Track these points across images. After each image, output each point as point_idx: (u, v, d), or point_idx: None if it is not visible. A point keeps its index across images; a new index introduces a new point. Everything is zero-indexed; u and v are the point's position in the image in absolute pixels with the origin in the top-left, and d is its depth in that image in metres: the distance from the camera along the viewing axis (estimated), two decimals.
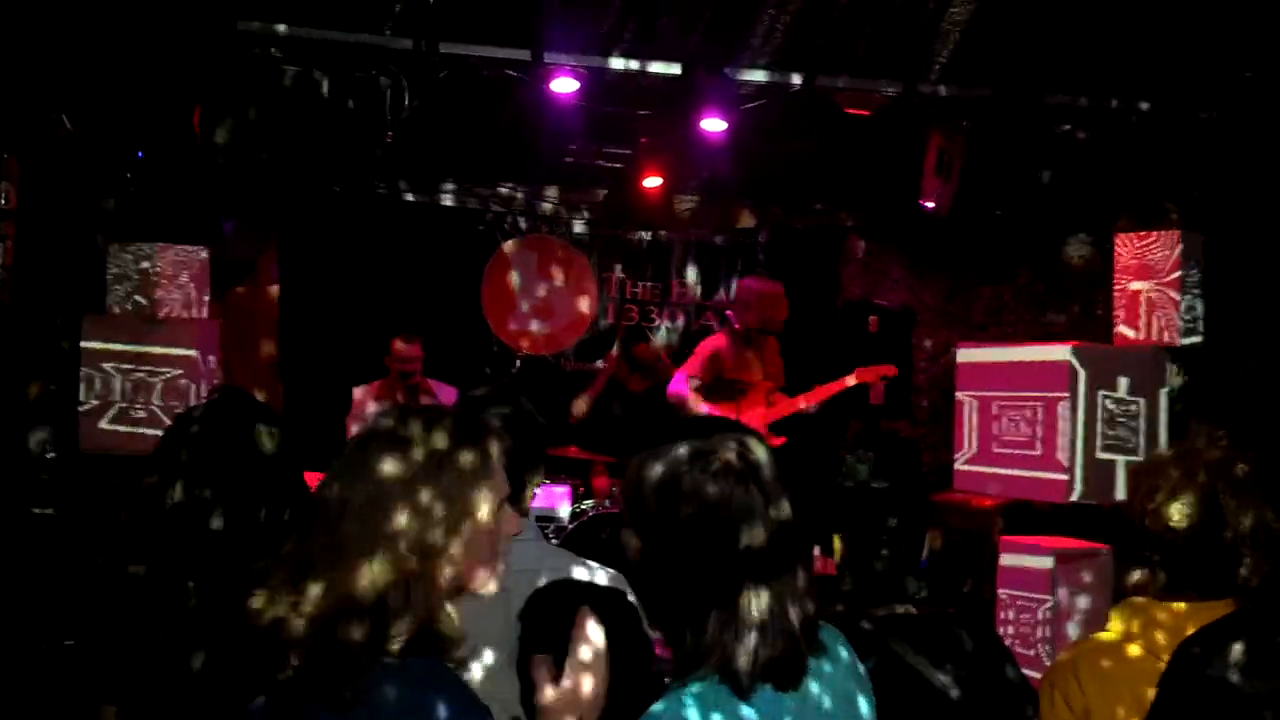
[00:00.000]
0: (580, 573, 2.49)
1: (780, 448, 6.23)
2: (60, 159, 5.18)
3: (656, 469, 1.68)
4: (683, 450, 1.67)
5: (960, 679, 2.17)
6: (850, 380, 6.47)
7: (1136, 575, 2.22)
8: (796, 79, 6.01)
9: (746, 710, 1.61)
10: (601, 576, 2.50)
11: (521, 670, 2.15)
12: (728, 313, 8.15)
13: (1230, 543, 2.13)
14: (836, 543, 2.36)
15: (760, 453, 1.69)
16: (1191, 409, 5.64)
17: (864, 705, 1.79)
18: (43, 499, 4.80)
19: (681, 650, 1.65)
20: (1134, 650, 2.14)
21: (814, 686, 1.69)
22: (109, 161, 5.42)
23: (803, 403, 6.41)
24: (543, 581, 2.40)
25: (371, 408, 6.65)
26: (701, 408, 6.37)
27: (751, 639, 1.61)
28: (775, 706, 1.64)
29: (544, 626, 2.20)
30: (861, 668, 1.83)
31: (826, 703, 1.71)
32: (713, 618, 1.63)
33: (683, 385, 6.42)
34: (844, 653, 1.80)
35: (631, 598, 1.96)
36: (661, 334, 8.67)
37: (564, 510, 6.65)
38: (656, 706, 1.61)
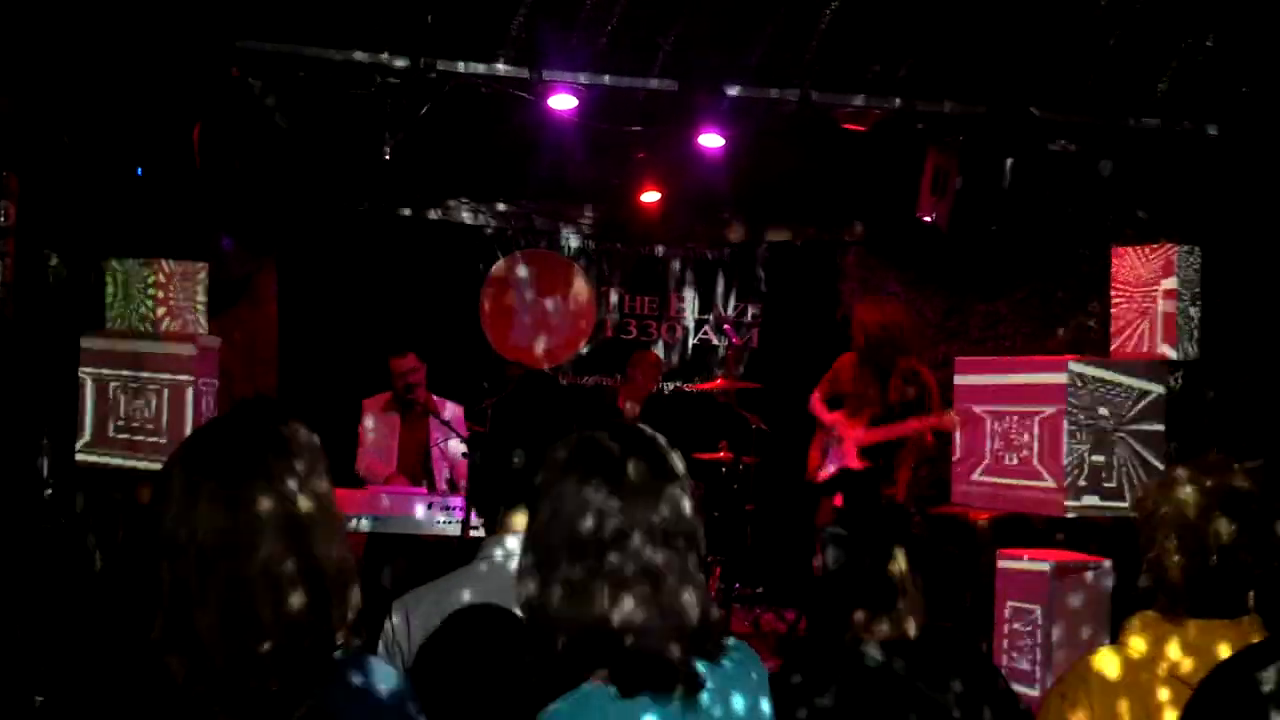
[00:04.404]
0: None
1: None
2: (59, 176, 5.19)
3: (557, 453, 1.75)
4: (569, 441, 1.75)
5: (959, 696, 2.18)
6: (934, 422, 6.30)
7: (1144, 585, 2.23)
8: (793, 95, 6.03)
9: (639, 712, 1.64)
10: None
11: None
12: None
13: (1230, 566, 2.14)
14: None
15: (640, 455, 1.73)
16: (1189, 422, 5.65)
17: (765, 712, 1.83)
18: (45, 514, 4.80)
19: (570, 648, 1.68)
20: (1144, 664, 2.15)
21: (705, 697, 1.71)
22: (108, 178, 5.43)
23: (883, 434, 6.41)
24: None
25: (380, 418, 6.66)
26: (825, 419, 6.60)
27: (627, 639, 1.65)
28: (665, 711, 1.66)
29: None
30: (760, 677, 1.84)
31: (718, 711, 1.72)
32: (593, 615, 1.66)
33: (814, 396, 6.70)
34: (745, 664, 1.82)
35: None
36: (660, 348, 8.69)
37: None
38: (555, 705, 1.64)
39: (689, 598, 1.70)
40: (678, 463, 1.77)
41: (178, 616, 1.56)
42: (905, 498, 6.49)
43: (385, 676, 1.70)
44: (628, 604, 1.66)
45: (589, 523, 1.67)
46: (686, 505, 1.73)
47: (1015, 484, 3.69)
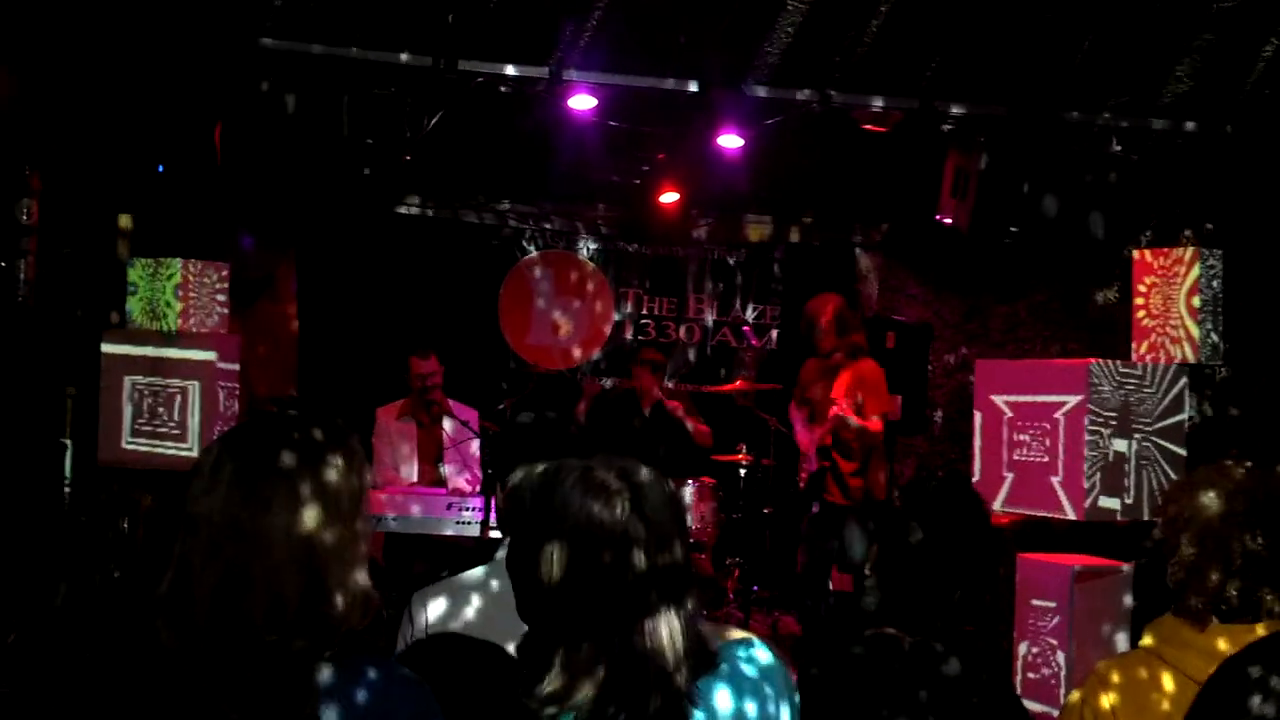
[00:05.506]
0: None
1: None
2: (81, 174, 5.22)
3: (538, 474, 1.69)
4: (567, 466, 1.66)
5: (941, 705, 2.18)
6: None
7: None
8: (813, 96, 6.02)
9: None
10: None
11: None
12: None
13: (1253, 571, 2.12)
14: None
15: (642, 489, 1.64)
16: (1210, 426, 5.61)
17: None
18: (66, 512, 4.82)
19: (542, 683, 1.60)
20: (1165, 669, 2.13)
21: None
22: (130, 176, 5.46)
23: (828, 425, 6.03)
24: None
25: (395, 427, 6.65)
26: (798, 427, 6.37)
27: (597, 682, 1.56)
28: None
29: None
30: (775, 687, 1.73)
31: None
32: (563, 652, 1.58)
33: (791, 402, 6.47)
34: (755, 678, 1.71)
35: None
36: (678, 349, 8.68)
37: None
38: None
39: (674, 634, 1.60)
40: (664, 497, 1.66)
41: (180, 583, 1.61)
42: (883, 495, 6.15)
43: (379, 677, 1.69)
44: (603, 648, 1.58)
45: (552, 564, 1.60)
46: (674, 544, 1.64)
47: (1035, 487, 3.68)
